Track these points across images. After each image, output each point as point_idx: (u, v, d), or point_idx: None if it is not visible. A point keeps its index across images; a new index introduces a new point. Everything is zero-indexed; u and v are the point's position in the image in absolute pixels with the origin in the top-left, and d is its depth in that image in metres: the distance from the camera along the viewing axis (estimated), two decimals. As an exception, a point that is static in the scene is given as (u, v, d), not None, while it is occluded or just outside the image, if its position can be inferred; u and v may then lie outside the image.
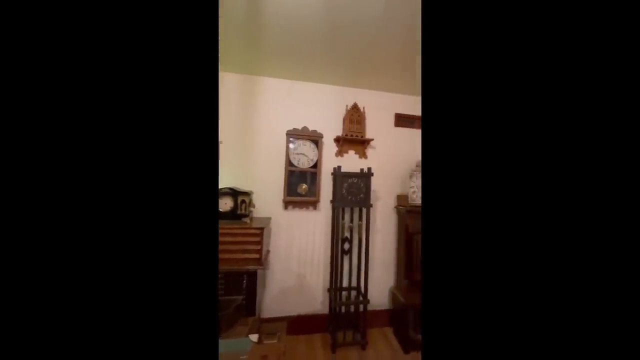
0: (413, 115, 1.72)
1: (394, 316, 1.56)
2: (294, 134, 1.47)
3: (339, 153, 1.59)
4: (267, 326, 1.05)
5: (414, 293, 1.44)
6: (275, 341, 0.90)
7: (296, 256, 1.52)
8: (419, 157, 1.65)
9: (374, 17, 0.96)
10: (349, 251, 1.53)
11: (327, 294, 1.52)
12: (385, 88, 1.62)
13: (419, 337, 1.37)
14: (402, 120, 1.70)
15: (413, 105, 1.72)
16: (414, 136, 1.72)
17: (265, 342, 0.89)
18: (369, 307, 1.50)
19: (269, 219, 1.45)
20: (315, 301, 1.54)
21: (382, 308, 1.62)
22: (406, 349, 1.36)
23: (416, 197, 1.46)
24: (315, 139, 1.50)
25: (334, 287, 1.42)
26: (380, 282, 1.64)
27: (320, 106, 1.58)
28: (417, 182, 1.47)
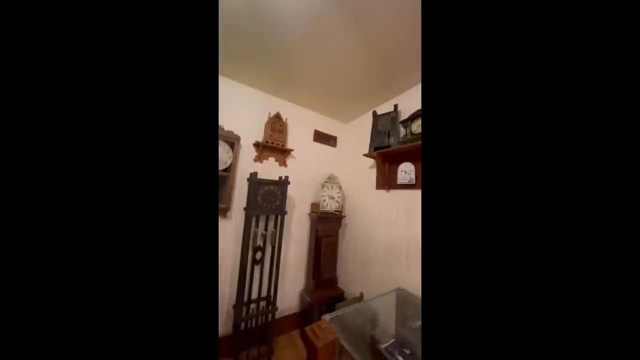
0: (330, 135, 2.00)
1: (302, 317, 1.65)
2: (204, 131, 1.29)
3: (258, 159, 1.56)
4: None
5: (320, 290, 1.60)
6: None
7: (195, 273, 1.29)
8: (331, 171, 1.92)
9: (298, 38, 1.06)
10: (261, 260, 1.49)
11: (233, 312, 1.38)
12: (307, 105, 1.79)
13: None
14: (320, 137, 1.92)
15: (330, 126, 2.00)
16: (329, 152, 1.99)
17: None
18: (279, 315, 1.50)
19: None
20: (219, 323, 1.35)
21: (293, 312, 1.68)
22: (309, 347, 1.47)
23: (326, 205, 1.67)
24: (231, 141, 1.39)
25: (241, 302, 1.32)
26: (292, 287, 1.70)
27: (240, 108, 1.50)
28: (328, 191, 1.69)
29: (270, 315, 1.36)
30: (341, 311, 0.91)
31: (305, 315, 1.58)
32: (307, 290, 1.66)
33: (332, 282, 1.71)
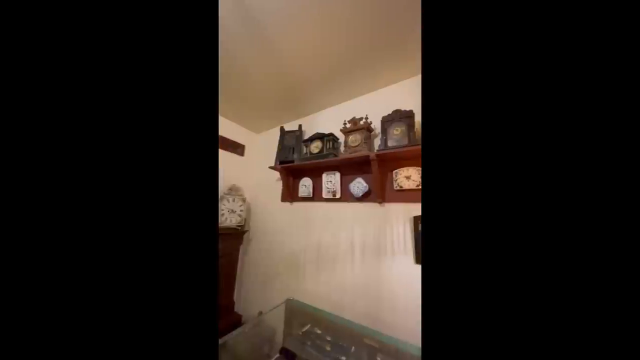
0: (237, 142, 1.85)
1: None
2: None
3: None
4: None
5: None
6: None
7: None
8: (234, 181, 1.76)
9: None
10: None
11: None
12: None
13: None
14: (224, 143, 1.74)
15: (239, 133, 1.87)
16: (235, 161, 1.83)
17: None
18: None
19: None
20: None
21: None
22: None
23: (225, 220, 1.49)
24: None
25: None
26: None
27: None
28: (228, 205, 1.53)
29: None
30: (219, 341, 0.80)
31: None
32: (190, 327, 1.33)
33: (227, 309, 1.50)
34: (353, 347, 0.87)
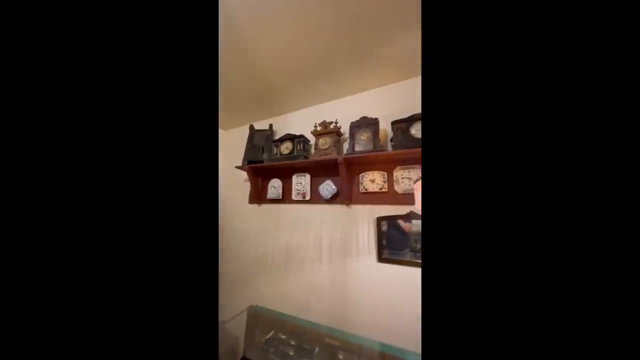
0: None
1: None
2: None
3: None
4: None
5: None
6: None
7: None
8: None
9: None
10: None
11: None
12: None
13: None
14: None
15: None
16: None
17: None
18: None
19: None
20: None
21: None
22: None
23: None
24: None
25: None
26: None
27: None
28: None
29: None
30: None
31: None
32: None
33: (183, 322, 1.34)
34: (317, 348, 0.87)
